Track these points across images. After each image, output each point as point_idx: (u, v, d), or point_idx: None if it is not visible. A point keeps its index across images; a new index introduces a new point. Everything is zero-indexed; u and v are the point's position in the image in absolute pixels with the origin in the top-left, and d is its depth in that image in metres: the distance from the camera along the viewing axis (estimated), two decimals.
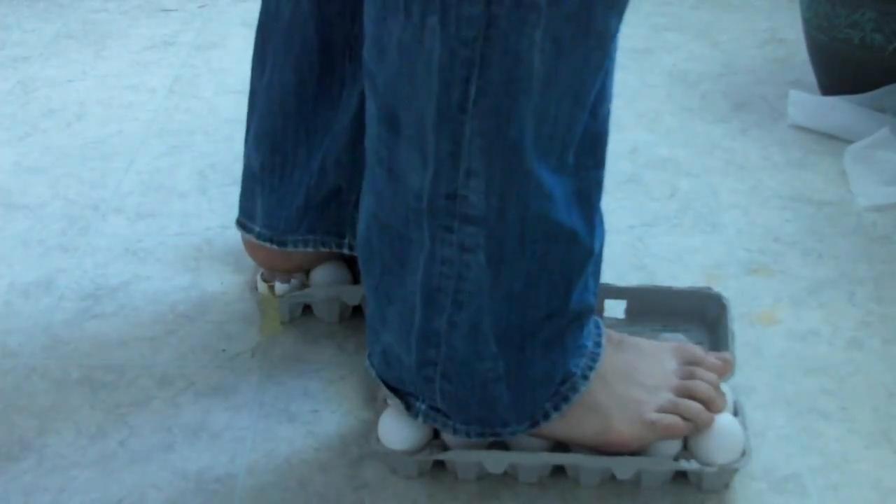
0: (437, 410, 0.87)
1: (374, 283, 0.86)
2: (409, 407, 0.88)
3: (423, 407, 0.88)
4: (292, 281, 1.06)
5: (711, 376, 0.90)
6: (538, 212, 0.78)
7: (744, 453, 0.88)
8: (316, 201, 1.02)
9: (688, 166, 1.32)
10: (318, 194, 1.01)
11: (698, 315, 1.04)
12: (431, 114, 0.74)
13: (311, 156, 1.00)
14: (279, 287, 1.06)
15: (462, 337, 0.83)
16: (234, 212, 1.07)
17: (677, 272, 1.14)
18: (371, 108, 0.79)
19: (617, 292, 1.05)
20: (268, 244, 1.04)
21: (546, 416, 0.86)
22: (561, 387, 0.86)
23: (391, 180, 0.79)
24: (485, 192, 0.77)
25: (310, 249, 1.03)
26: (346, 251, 1.04)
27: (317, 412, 0.98)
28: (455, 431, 0.88)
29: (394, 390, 0.89)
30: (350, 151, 0.99)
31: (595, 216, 0.83)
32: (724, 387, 0.91)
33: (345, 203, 1.02)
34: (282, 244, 1.04)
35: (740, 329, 1.04)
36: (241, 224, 1.06)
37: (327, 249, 1.04)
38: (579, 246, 0.81)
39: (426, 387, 0.86)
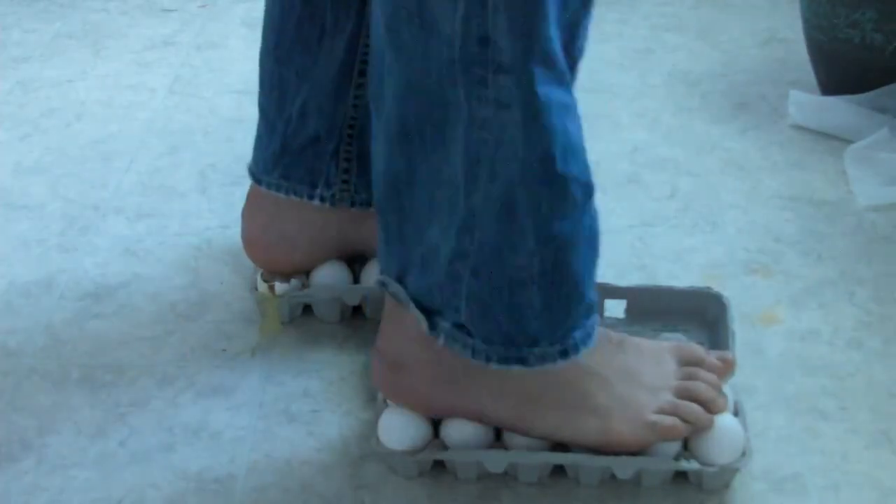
0: (461, 328, 0.85)
1: (423, 168, 0.83)
2: (432, 326, 0.86)
3: (447, 325, 0.85)
4: (292, 281, 1.06)
5: (712, 377, 0.90)
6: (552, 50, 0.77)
7: (744, 453, 0.88)
8: (293, 147, 1.02)
9: (688, 166, 1.32)
10: (296, 140, 1.02)
11: (698, 315, 1.04)
12: None
13: (285, 100, 1.01)
14: (279, 287, 1.06)
15: (495, 217, 0.81)
16: (233, 212, 1.08)
17: (677, 272, 1.14)
18: None
19: (617, 292, 1.05)
20: (252, 178, 1.06)
21: (575, 348, 0.85)
22: (587, 319, 0.85)
23: (422, 32, 0.77)
24: (508, 31, 0.75)
25: (281, 195, 1.04)
26: (316, 202, 1.04)
27: (317, 412, 0.98)
28: (474, 353, 0.85)
29: (420, 306, 0.86)
30: (332, 100, 1.00)
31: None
32: (725, 387, 0.91)
33: (321, 153, 1.02)
34: (258, 181, 1.05)
35: (740, 329, 1.03)
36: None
37: (298, 198, 1.04)
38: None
39: (453, 290, 0.83)
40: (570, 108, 0.81)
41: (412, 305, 0.87)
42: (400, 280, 0.87)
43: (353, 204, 1.04)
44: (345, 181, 1.03)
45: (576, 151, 0.81)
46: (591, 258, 0.85)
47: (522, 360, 0.85)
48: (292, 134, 1.02)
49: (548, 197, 0.80)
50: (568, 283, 0.83)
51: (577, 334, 0.85)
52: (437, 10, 0.76)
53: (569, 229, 0.82)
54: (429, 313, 0.86)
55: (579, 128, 0.82)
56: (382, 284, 0.89)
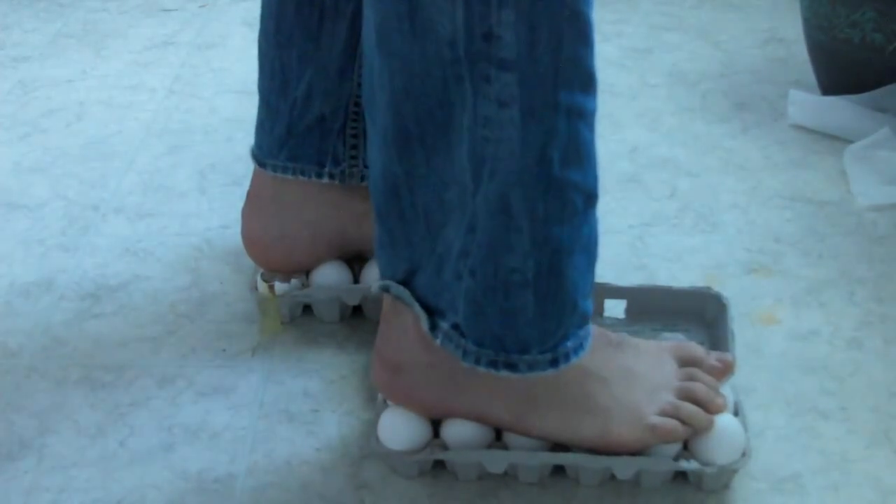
0: (457, 328, 0.85)
1: (424, 172, 0.81)
2: (433, 326, 0.86)
3: (446, 325, 0.85)
4: (292, 281, 1.06)
5: (710, 378, 0.90)
6: (572, 54, 0.75)
7: (744, 454, 0.88)
8: (299, 129, 1.02)
9: (688, 166, 1.32)
10: (301, 122, 1.02)
11: (698, 315, 1.04)
12: None
13: (289, 85, 1.01)
14: (279, 287, 1.06)
15: (492, 216, 0.79)
16: (233, 212, 1.08)
17: (677, 272, 1.14)
18: None
19: (617, 292, 1.05)
20: (255, 163, 1.05)
21: (566, 357, 0.84)
22: (580, 329, 0.84)
23: (417, 37, 0.76)
24: (514, 24, 0.73)
25: (288, 176, 1.04)
26: (325, 180, 1.03)
27: (317, 412, 0.98)
28: (465, 354, 0.84)
29: (425, 306, 0.86)
30: (337, 81, 1.00)
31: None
32: (725, 387, 0.91)
33: (327, 132, 1.02)
34: (262, 165, 1.05)
35: (740, 329, 1.04)
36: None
37: (306, 178, 1.03)
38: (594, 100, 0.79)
39: (456, 289, 0.83)
40: (584, 114, 0.78)
41: (417, 305, 0.86)
42: (406, 281, 0.87)
43: (363, 179, 1.04)
44: (353, 157, 1.03)
45: (581, 157, 0.79)
46: (588, 267, 0.84)
47: (512, 366, 0.85)
48: (298, 117, 1.01)
49: (544, 200, 0.79)
50: (562, 291, 0.82)
51: (569, 344, 0.84)
52: (433, 12, 0.75)
53: (566, 235, 0.81)
54: (432, 313, 0.86)
55: (591, 133, 0.80)
56: (385, 289, 0.88)
